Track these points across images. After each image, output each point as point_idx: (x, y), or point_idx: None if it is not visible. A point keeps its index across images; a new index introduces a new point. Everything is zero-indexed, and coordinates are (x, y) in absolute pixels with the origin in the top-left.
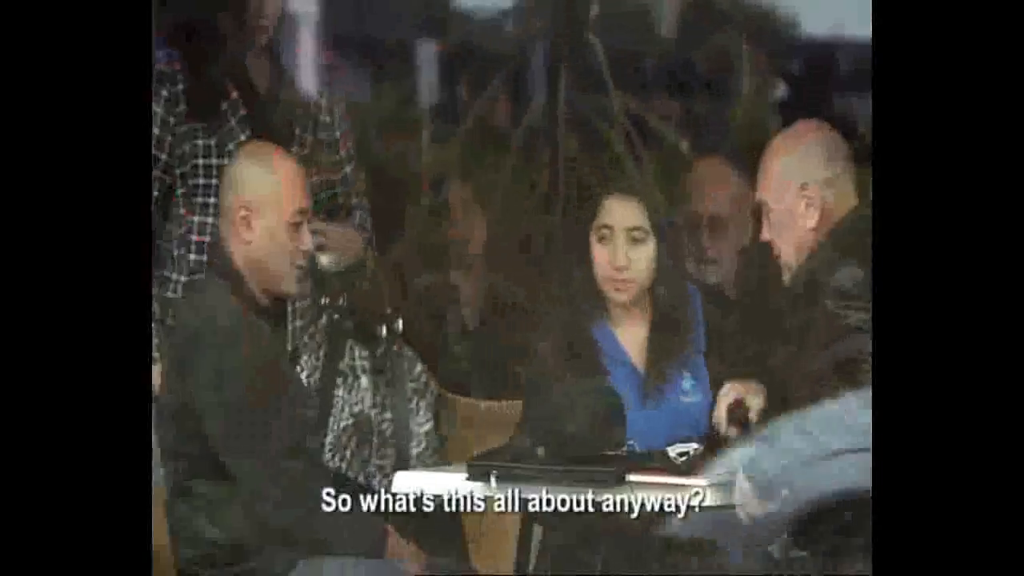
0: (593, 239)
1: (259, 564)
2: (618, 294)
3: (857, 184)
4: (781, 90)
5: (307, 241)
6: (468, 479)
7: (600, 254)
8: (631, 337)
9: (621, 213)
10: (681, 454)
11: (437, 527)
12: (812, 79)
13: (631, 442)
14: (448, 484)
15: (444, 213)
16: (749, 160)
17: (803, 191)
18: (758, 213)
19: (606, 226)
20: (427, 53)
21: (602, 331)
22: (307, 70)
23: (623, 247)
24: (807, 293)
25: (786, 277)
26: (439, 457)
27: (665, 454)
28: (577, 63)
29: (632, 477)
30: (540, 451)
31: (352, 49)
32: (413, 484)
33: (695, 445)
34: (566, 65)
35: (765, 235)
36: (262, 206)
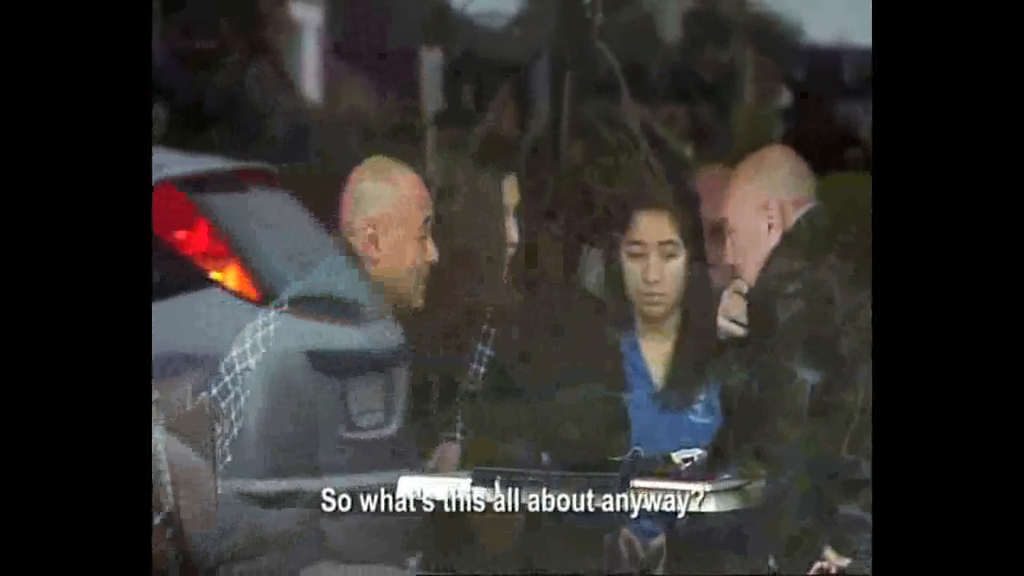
0: (624, 255)
1: (267, 563)
2: (651, 308)
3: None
4: (785, 97)
5: (432, 251)
6: (472, 485)
7: (632, 269)
8: (655, 352)
9: (653, 228)
10: (686, 460)
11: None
12: (816, 86)
13: (637, 448)
14: (452, 489)
15: (449, 221)
16: None
17: (765, 209)
18: (720, 235)
19: (637, 242)
20: (432, 61)
21: (629, 342)
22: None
23: (655, 262)
24: (766, 302)
25: (743, 295)
26: None
27: (670, 459)
28: (582, 70)
29: (637, 483)
30: (544, 457)
31: (357, 57)
32: (417, 489)
33: (700, 451)
34: (571, 72)
35: (728, 259)
36: (389, 223)
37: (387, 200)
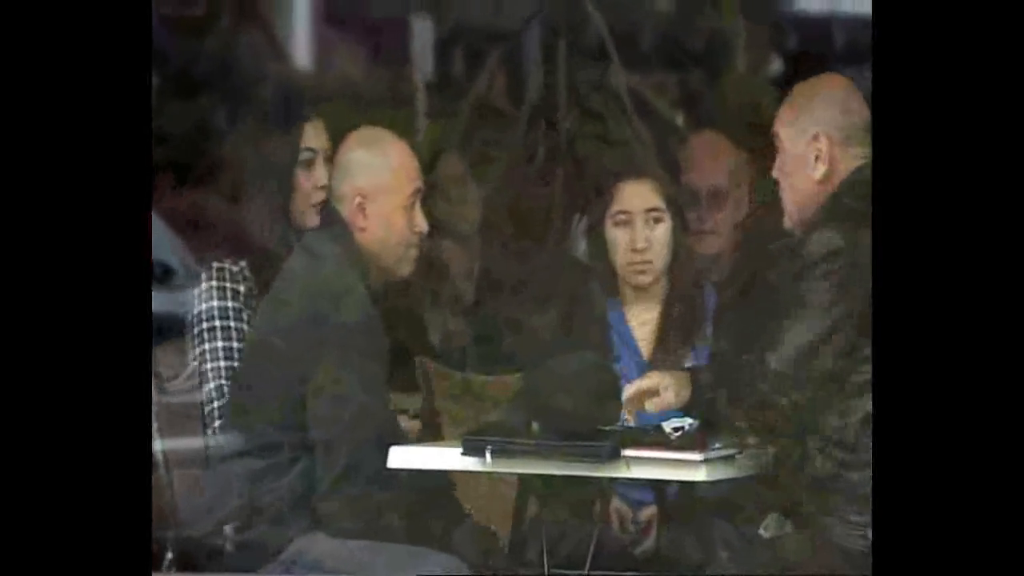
0: (609, 225)
1: (258, 534)
2: (639, 276)
3: (867, 145)
4: (777, 65)
5: (421, 223)
6: (463, 454)
7: (619, 239)
8: (640, 321)
9: (637, 197)
10: (676, 429)
11: (433, 503)
12: (808, 54)
13: (627, 417)
14: (443, 459)
15: (439, 189)
16: (746, 134)
17: (814, 141)
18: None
19: (623, 211)
20: (422, 28)
21: (615, 313)
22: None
23: (641, 229)
24: (794, 253)
25: (787, 221)
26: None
27: (660, 429)
28: (573, 38)
29: (627, 452)
30: (535, 426)
31: (348, 24)
32: (408, 459)
33: (690, 420)
34: (562, 40)
35: (775, 172)
36: (376, 193)
37: (377, 170)
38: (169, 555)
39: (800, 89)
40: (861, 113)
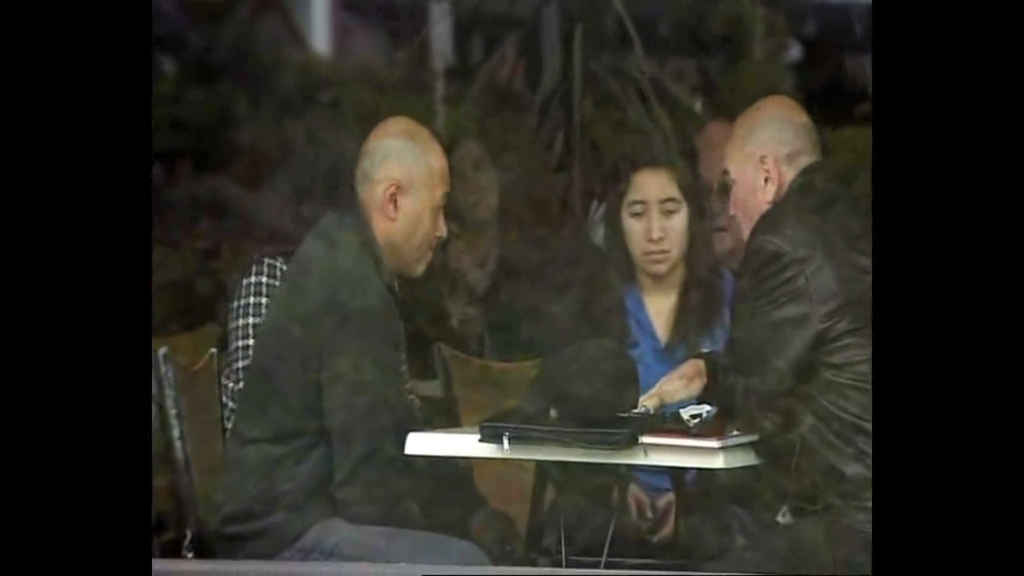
0: (625, 214)
1: (276, 521)
2: (655, 266)
3: (820, 150)
4: (794, 52)
5: (442, 227)
6: (480, 441)
7: (635, 228)
8: (658, 308)
9: (653, 186)
10: (694, 416)
11: (451, 488)
12: (826, 41)
13: (645, 404)
14: (461, 446)
15: (456, 175)
16: None
17: (762, 164)
18: (725, 189)
19: (639, 201)
20: (440, 14)
21: (633, 298)
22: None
23: (657, 219)
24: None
25: (741, 255)
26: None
27: (678, 416)
28: (591, 23)
29: (645, 439)
30: (553, 413)
31: (366, 10)
32: (426, 445)
33: (708, 407)
34: (580, 26)
35: (731, 211)
36: (412, 187)
37: (415, 164)
38: (188, 541)
39: (741, 120)
40: (807, 126)
